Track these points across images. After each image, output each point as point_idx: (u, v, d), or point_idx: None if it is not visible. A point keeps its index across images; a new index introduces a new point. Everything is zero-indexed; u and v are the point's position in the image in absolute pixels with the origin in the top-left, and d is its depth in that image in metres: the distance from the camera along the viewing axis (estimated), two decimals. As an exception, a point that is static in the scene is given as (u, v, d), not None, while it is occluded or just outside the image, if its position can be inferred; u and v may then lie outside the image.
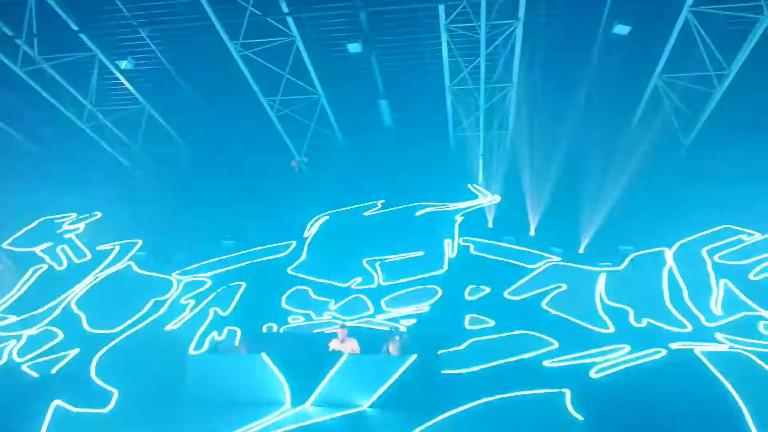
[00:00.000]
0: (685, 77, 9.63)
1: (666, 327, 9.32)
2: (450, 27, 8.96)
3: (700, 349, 9.12)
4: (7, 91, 10.81)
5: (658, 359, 9.05)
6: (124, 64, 10.56)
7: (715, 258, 9.66)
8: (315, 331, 9.86)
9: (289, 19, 9.23)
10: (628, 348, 9.13)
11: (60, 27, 9.59)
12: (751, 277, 9.54)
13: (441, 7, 8.77)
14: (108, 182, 11.79)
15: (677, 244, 9.83)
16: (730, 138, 10.41)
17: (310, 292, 10.39)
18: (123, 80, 10.83)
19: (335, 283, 10.39)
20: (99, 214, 11.18)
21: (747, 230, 9.76)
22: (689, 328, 9.29)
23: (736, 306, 9.35)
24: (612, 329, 9.41)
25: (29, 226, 11.08)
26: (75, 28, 9.62)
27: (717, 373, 8.92)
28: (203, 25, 9.46)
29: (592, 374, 8.99)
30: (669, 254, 9.80)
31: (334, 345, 9.19)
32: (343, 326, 9.41)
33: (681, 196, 10.64)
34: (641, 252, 9.98)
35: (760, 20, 8.18)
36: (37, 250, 10.93)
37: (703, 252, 9.69)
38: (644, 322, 9.39)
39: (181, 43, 10.37)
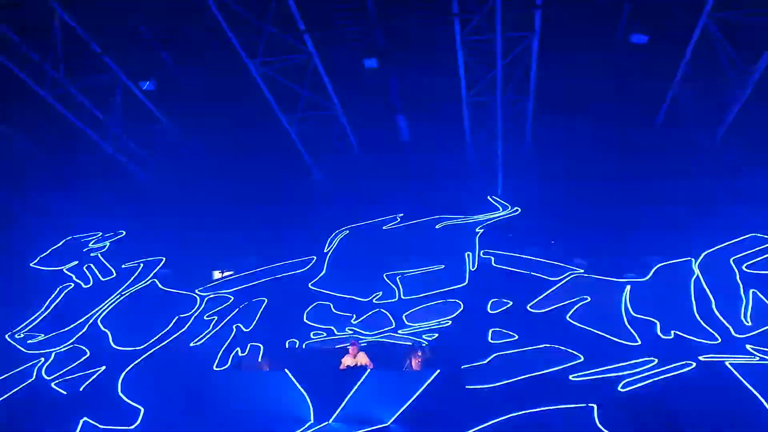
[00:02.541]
0: (706, 84, 9.50)
1: (695, 339, 9.14)
2: (465, 40, 8.98)
3: (730, 361, 8.92)
4: (33, 114, 11.11)
5: (687, 372, 8.88)
6: (146, 85, 10.78)
7: (743, 267, 9.44)
8: (337, 346, 9.86)
9: (306, 37, 9.33)
10: (656, 361, 8.97)
11: (84, 49, 9.83)
12: (781, 286, 9.31)
13: (456, 21, 8.79)
14: (131, 201, 12.00)
15: (704, 254, 9.63)
16: (756, 145, 10.22)
17: (332, 308, 10.39)
18: (144, 101, 11.04)
19: (356, 298, 10.38)
20: (123, 233, 11.36)
21: (775, 238, 9.53)
22: (719, 339, 9.09)
23: (766, 316, 9.13)
24: (639, 342, 9.24)
25: (56, 246, 11.31)
26: (98, 50, 9.85)
27: (748, 386, 8.71)
28: (222, 44, 9.61)
29: (620, 388, 8.84)
30: (695, 264, 9.61)
31: (346, 361, 9.19)
32: (353, 342, 9.41)
33: (706, 205, 10.46)
34: (667, 262, 9.80)
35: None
36: (64, 268, 11.15)
37: (731, 261, 9.48)
38: (672, 334, 9.20)
39: (201, 64, 10.55)
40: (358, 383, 8.63)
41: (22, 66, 9.85)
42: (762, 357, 8.90)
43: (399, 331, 9.99)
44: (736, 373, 8.83)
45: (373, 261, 10.62)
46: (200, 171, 12.54)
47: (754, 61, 8.70)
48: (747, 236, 9.58)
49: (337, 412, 8.58)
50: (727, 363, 8.90)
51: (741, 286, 9.36)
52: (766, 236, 9.58)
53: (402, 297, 10.27)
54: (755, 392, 8.63)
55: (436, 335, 9.84)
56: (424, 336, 9.86)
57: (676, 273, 9.64)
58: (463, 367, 9.23)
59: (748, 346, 9.00)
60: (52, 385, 10.00)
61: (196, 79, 10.95)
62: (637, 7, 8.83)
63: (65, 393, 9.88)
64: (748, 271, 9.43)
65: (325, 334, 10.20)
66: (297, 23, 9.03)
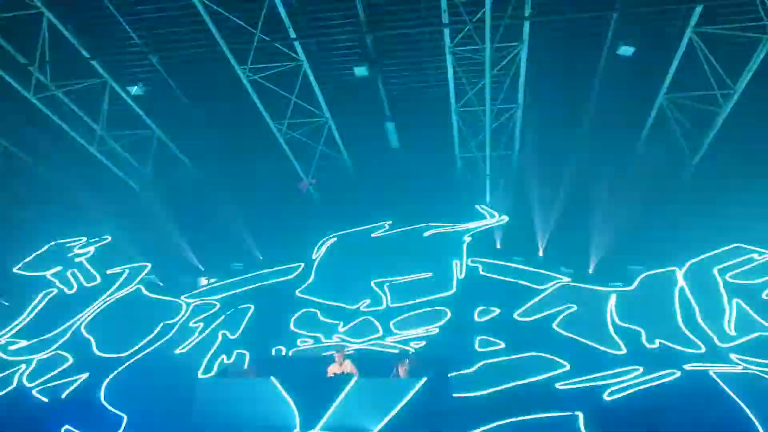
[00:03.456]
0: (691, 97, 9.65)
1: (679, 348, 9.21)
2: (455, 50, 9.05)
3: (714, 370, 9.00)
4: (18, 117, 10.99)
5: (672, 381, 8.94)
6: (134, 90, 10.72)
7: (727, 277, 9.54)
8: (324, 354, 9.81)
9: (297, 44, 9.36)
10: (641, 369, 9.02)
11: (71, 54, 9.77)
12: (764, 296, 9.40)
13: (446, 31, 8.87)
14: (118, 206, 11.90)
15: (688, 264, 9.73)
16: (739, 156, 10.38)
17: (319, 315, 10.35)
18: (133, 105, 10.99)
19: (344, 305, 10.35)
20: (109, 238, 11.24)
21: (758, 249, 9.66)
22: (703, 348, 9.17)
23: (750, 326, 9.23)
24: (624, 351, 9.30)
25: (40, 251, 11.16)
26: (86, 55, 9.80)
27: (732, 395, 8.79)
28: (212, 50, 9.61)
29: (605, 397, 8.89)
30: (680, 274, 9.71)
31: (333, 369, 9.15)
32: (338, 349, 9.38)
33: (690, 215, 10.60)
34: (652, 272, 9.89)
35: (764, 39, 8.21)
36: (48, 274, 10.99)
37: (715, 271, 9.58)
38: (657, 343, 9.27)
39: (190, 69, 10.53)
40: (345, 391, 8.58)
41: (7, 69, 9.76)
42: (745, 366, 8.99)
43: (386, 339, 9.98)
44: (720, 382, 8.91)
45: (361, 268, 10.59)
46: (188, 176, 12.49)
47: (738, 73, 8.86)
48: (730, 247, 9.70)
49: (323, 420, 8.52)
50: (711, 372, 8.98)
51: (725, 295, 9.46)
52: (749, 247, 9.72)
53: (389, 305, 10.26)
54: (739, 401, 8.71)
55: (424, 343, 9.82)
56: (411, 344, 9.84)
57: (661, 282, 9.72)
58: (450, 375, 9.22)
59: (732, 355, 9.09)
60: (34, 392, 9.82)
61: (185, 84, 10.93)
62: (624, 19, 8.95)
63: (47, 400, 9.71)
64: (732, 281, 9.54)
65: (312, 342, 10.14)
66: (288, 31, 9.05)
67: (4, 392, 9.85)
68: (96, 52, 9.84)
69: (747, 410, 8.66)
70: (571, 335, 9.48)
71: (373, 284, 10.44)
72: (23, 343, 10.42)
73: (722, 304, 9.39)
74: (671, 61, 9.21)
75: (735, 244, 9.68)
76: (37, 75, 9.80)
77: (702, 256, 9.70)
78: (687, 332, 9.32)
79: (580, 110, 10.66)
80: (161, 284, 11.08)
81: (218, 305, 10.62)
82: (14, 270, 10.84)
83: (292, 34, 9.11)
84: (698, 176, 10.78)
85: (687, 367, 9.02)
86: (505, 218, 10.68)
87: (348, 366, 9.17)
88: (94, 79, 10.29)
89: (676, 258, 9.78)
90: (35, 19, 9.25)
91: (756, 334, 9.14)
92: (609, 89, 10.15)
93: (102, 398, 9.64)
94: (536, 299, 9.88)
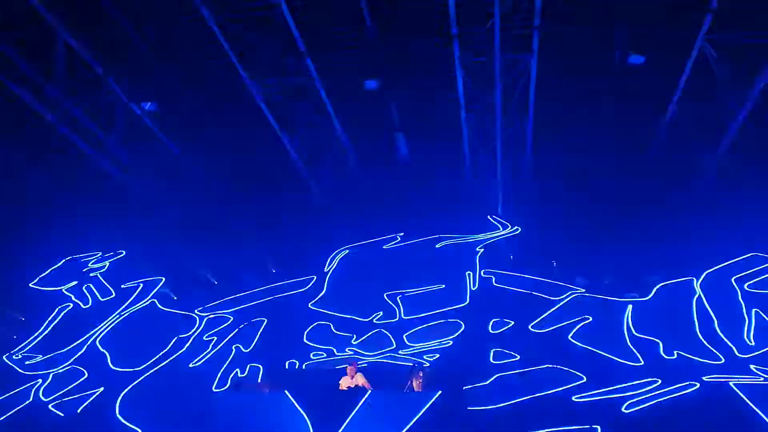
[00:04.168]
0: (704, 105, 9.56)
1: (698, 359, 9.07)
2: (465, 61, 9.06)
3: (734, 381, 8.84)
4: (33, 134, 11.15)
5: (691, 393, 8.80)
6: (147, 106, 10.84)
7: (745, 286, 9.40)
8: (337, 367, 9.78)
9: (307, 58, 9.42)
10: (659, 381, 8.89)
11: (85, 70, 9.90)
12: (783, 305, 9.26)
13: (456, 41, 8.88)
14: (132, 221, 11.99)
15: (705, 273, 9.60)
16: (755, 164, 10.26)
17: (332, 327, 10.33)
18: (147, 121, 11.10)
19: (357, 318, 10.32)
20: (123, 253, 11.33)
21: (776, 258, 9.51)
22: (722, 359, 9.02)
23: (770, 336, 9.08)
24: (642, 362, 9.17)
25: (55, 266, 11.27)
26: (100, 71, 9.93)
27: (753, 406, 8.63)
28: (223, 64, 9.69)
29: (623, 409, 8.76)
30: (697, 284, 9.58)
31: (345, 382, 9.11)
32: (351, 363, 9.34)
33: (706, 224, 10.46)
34: (668, 282, 9.77)
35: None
36: (63, 288, 11.09)
37: (733, 281, 9.44)
38: (675, 354, 9.14)
39: (203, 86, 10.63)
40: (359, 404, 8.54)
41: (23, 85, 9.90)
42: (766, 377, 8.82)
43: (400, 352, 9.92)
44: (740, 393, 8.75)
45: (374, 281, 10.56)
46: (201, 190, 12.57)
47: (750, 81, 8.77)
48: (748, 255, 9.56)
49: (337, 433, 8.48)
50: (731, 383, 8.83)
51: (743, 305, 9.31)
52: (767, 255, 9.57)
53: (402, 317, 10.21)
54: (759, 412, 8.55)
55: (438, 356, 9.77)
56: (425, 356, 9.79)
57: (677, 292, 9.60)
58: (464, 388, 9.15)
59: (752, 366, 8.93)
60: (50, 407, 9.88)
61: (197, 99, 11.03)
62: (634, 28, 8.91)
63: (62, 415, 9.76)
64: (750, 290, 9.39)
65: (325, 355, 10.12)
66: (297, 44, 9.11)
67: (20, 407, 9.92)
68: (109, 69, 9.97)
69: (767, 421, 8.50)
70: (587, 347, 9.38)
71: (385, 296, 10.41)
72: (39, 357, 10.51)
73: (741, 314, 9.25)
74: (683, 69, 9.14)
75: (752, 253, 9.55)
76: (49, 90, 9.92)
77: (719, 266, 9.57)
78: (706, 343, 9.18)
79: (590, 120, 10.59)
80: (175, 297, 11.13)
81: (232, 319, 10.66)
82: (30, 285, 10.95)
83: (303, 48, 9.17)
84: (713, 185, 10.65)
85: (706, 378, 8.88)
86: (518, 229, 10.61)
87: (360, 379, 9.13)
88: (107, 95, 10.42)
89: (693, 267, 9.66)
90: (48, 34, 9.37)
91: (776, 344, 8.99)
92: (620, 98, 10.09)
93: (117, 413, 9.67)
94: (551, 310, 9.79)
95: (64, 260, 11.30)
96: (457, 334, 9.85)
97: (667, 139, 10.43)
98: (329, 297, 10.59)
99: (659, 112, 10.02)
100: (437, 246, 10.69)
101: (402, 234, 10.81)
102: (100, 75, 9.94)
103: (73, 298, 11.03)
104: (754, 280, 9.41)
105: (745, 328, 9.17)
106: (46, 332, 10.79)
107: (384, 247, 10.83)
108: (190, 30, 9.52)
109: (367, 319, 10.24)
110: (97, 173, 11.81)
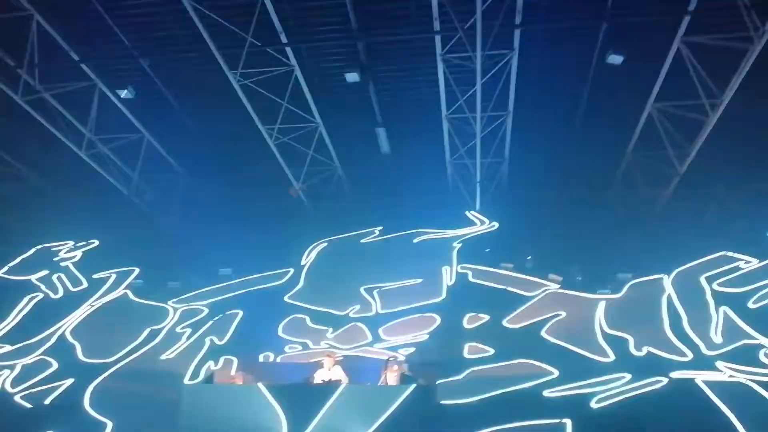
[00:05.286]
0: (679, 105, 9.72)
1: (666, 355, 9.25)
2: (446, 57, 9.08)
3: (701, 378, 9.04)
4: (6, 120, 10.89)
5: (659, 388, 8.97)
6: (124, 93, 10.65)
7: (714, 285, 9.62)
8: (312, 360, 9.76)
9: (288, 49, 9.35)
10: (628, 377, 9.05)
11: (61, 56, 9.70)
12: (750, 304, 9.49)
13: (437, 38, 8.90)
14: (107, 210, 11.79)
15: (675, 272, 9.80)
16: (726, 164, 10.47)
17: (308, 321, 10.31)
18: (123, 109, 10.93)
19: (333, 311, 10.31)
20: (96, 242, 11.14)
21: (744, 257, 9.74)
22: (690, 356, 9.22)
23: (736, 334, 9.29)
24: (612, 358, 9.33)
25: (25, 254, 11.04)
26: (76, 57, 9.73)
27: (718, 402, 8.84)
28: (203, 55, 9.57)
29: (593, 404, 8.89)
30: (668, 281, 9.76)
31: (321, 374, 9.09)
32: (329, 354, 9.34)
33: (677, 223, 10.66)
34: (640, 279, 9.94)
35: (750, 50, 8.31)
36: (33, 278, 10.87)
37: (702, 279, 9.65)
38: (644, 350, 9.31)
39: (181, 73, 10.48)
40: (333, 397, 8.53)
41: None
42: (732, 374, 9.03)
43: (375, 345, 9.94)
44: (706, 389, 8.95)
45: (351, 274, 10.58)
46: (177, 181, 12.41)
47: (725, 83, 8.95)
48: (717, 255, 9.78)
49: (311, 426, 8.45)
50: (698, 380, 9.02)
51: (712, 303, 9.52)
52: (736, 255, 9.79)
53: (379, 311, 10.24)
54: (725, 409, 8.75)
55: (413, 349, 9.81)
56: (400, 350, 9.82)
57: (648, 290, 9.78)
58: (438, 382, 9.20)
59: (718, 363, 9.14)
60: (17, 398, 9.69)
61: (175, 88, 10.88)
62: (614, 28, 9.02)
63: (30, 406, 9.58)
64: (719, 289, 9.60)
65: (300, 348, 10.09)
66: (279, 36, 9.04)
67: (-14, 398, 9.71)
68: (85, 55, 9.78)
69: (733, 418, 8.69)
70: (559, 342, 9.51)
71: (362, 290, 10.43)
72: (7, 348, 10.29)
73: (709, 312, 9.46)
74: (660, 70, 9.28)
75: (722, 252, 9.77)
76: (25, 78, 9.71)
77: (689, 264, 9.78)
78: (674, 340, 9.38)
79: (569, 118, 10.71)
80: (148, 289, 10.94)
81: (206, 311, 10.56)
82: (-1, 274, 10.73)
83: (284, 39, 9.10)
84: (685, 184, 10.86)
85: (674, 374, 9.07)
86: (495, 225, 10.71)
87: (337, 372, 9.12)
88: (83, 82, 10.22)
89: (663, 266, 9.84)
90: (24, 21, 9.17)
91: (742, 342, 9.21)
92: (598, 97, 10.22)
93: (87, 404, 9.51)
94: (525, 306, 9.90)
95: (34, 249, 11.08)
96: (432, 329, 9.90)
97: (643, 137, 10.56)
98: (306, 290, 10.56)
99: (637, 110, 10.15)
100: (415, 241, 10.73)
101: (380, 228, 10.84)
102: (76, 61, 9.73)
103: (43, 288, 10.82)
104: (723, 279, 9.63)
105: (713, 326, 9.38)
106: (15, 322, 10.57)
107: (362, 241, 10.84)
108: (169, 18, 9.38)
109: (343, 313, 10.24)
110: (70, 161, 11.57)
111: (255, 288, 10.79)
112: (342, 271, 10.67)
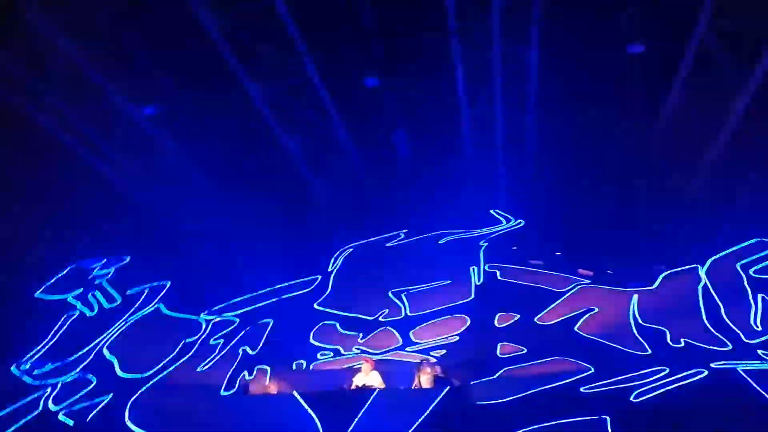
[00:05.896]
0: (706, 91, 9.53)
1: (705, 346, 9.07)
2: (465, 55, 9.03)
3: (742, 367, 8.86)
4: (31, 142, 11.11)
5: (699, 380, 8.81)
6: (146, 110, 10.80)
7: (751, 272, 9.40)
8: (345, 366, 9.79)
9: (306, 57, 9.39)
10: (667, 370, 8.89)
11: (83, 76, 9.86)
12: (789, 290, 9.26)
13: (455, 36, 8.85)
14: (134, 226, 11.96)
15: (710, 260, 9.60)
16: (755, 152, 10.24)
17: (338, 327, 10.33)
18: (145, 125, 11.07)
19: (362, 316, 10.32)
20: (128, 258, 11.30)
21: (781, 242, 9.51)
22: (729, 346, 9.03)
23: (776, 321, 9.08)
24: (649, 351, 9.18)
25: (60, 274, 11.24)
26: (98, 78, 9.89)
27: (762, 391, 8.65)
28: (221, 65, 9.65)
29: (632, 399, 8.77)
30: (702, 271, 9.57)
31: (359, 379, 9.11)
32: (366, 360, 9.34)
33: (710, 212, 10.45)
34: (674, 270, 9.76)
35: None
36: (69, 297, 11.06)
37: (738, 267, 9.44)
38: (682, 342, 9.15)
39: (200, 87, 10.58)
40: (368, 403, 8.54)
41: (19, 92, 9.85)
42: (774, 362, 8.84)
43: (406, 349, 9.93)
44: (748, 378, 8.76)
45: (378, 278, 10.57)
46: (201, 193, 12.53)
47: (752, 66, 8.74)
48: (752, 241, 9.56)
49: (347, 432, 8.49)
50: (739, 369, 8.84)
51: (749, 291, 9.31)
52: (771, 240, 9.56)
53: (408, 314, 10.22)
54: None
55: (444, 351, 9.77)
56: (431, 353, 9.79)
57: (683, 280, 9.61)
58: (472, 382, 9.15)
59: (759, 351, 8.94)
60: (60, 416, 9.88)
61: (196, 102, 10.99)
62: (634, 16, 8.88)
63: (72, 424, 9.76)
64: (756, 275, 9.39)
65: (332, 354, 10.13)
66: (296, 43, 9.08)
67: (31, 416, 9.92)
68: (106, 74, 9.93)
69: (778, 406, 8.50)
70: (593, 338, 9.38)
71: (390, 294, 10.41)
72: (48, 367, 10.49)
73: (747, 300, 9.25)
74: (683, 59, 9.10)
75: (757, 239, 9.55)
76: (46, 94, 9.88)
77: (724, 252, 9.57)
78: (713, 330, 9.19)
79: (592, 110, 10.56)
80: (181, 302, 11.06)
81: (238, 321, 10.65)
82: (36, 295, 10.93)
83: (302, 48, 9.14)
84: (716, 171, 10.64)
85: (714, 365, 8.89)
86: (521, 222, 10.61)
87: (375, 377, 9.11)
88: (107, 99, 10.38)
89: (698, 255, 9.66)
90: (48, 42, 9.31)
91: (783, 329, 9.00)
92: (620, 87, 10.06)
93: (126, 419, 9.67)
94: (557, 302, 9.79)
95: (68, 267, 11.28)
96: (463, 329, 9.85)
97: (671, 126, 10.36)
98: (334, 296, 10.58)
99: (662, 100, 9.95)
100: (440, 242, 10.68)
101: (405, 231, 10.81)
102: (97, 81, 9.89)
103: (79, 306, 11.01)
104: (760, 266, 9.42)
105: (752, 314, 9.17)
106: (53, 341, 10.77)
107: (387, 244, 10.82)
108: (187, 33, 9.47)
109: (372, 317, 10.24)
110: (97, 180, 11.75)
111: (284, 296, 10.85)
112: (369, 276, 10.67)
